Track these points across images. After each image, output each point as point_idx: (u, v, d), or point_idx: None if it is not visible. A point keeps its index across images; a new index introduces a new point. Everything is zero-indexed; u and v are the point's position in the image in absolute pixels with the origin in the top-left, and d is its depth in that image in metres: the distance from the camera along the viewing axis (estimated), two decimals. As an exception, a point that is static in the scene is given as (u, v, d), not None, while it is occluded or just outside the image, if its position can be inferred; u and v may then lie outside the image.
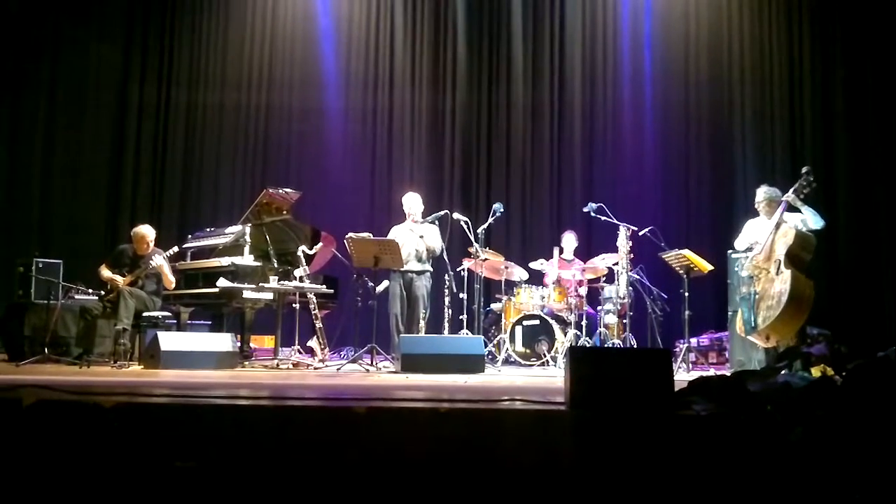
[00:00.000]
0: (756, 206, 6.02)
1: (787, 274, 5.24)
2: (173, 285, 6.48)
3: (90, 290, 6.67)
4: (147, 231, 6.63)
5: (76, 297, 6.69)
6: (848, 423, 2.37)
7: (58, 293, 6.46)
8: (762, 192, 5.99)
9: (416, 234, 6.85)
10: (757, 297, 5.44)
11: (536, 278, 7.77)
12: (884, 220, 8.34)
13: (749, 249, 5.85)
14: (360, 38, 9.59)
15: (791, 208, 5.59)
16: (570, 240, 7.91)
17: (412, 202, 7.03)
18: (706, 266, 6.61)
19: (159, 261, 6.35)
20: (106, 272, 6.50)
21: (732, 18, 9.19)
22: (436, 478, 2.45)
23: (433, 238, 6.88)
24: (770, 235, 5.49)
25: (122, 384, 3.93)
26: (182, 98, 9.43)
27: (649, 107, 9.30)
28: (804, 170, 5.60)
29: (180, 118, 9.44)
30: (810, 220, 5.63)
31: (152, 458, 2.44)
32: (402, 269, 6.73)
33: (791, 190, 5.56)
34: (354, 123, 9.52)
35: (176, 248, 6.59)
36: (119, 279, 6.38)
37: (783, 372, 2.80)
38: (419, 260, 6.86)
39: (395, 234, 6.91)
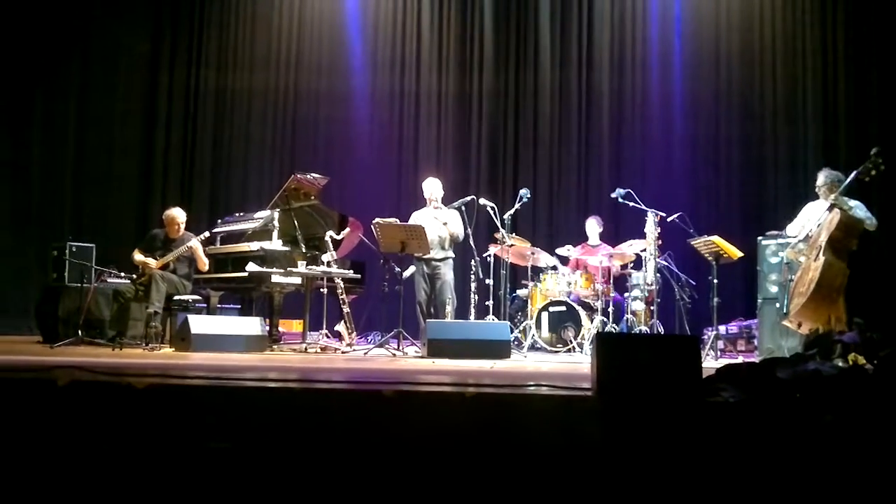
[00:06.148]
0: (816, 189, 5.72)
1: (821, 261, 5.16)
2: (207, 268, 6.57)
3: (122, 274, 6.80)
4: (177, 213, 6.71)
5: (109, 280, 6.81)
6: (878, 411, 2.35)
7: (91, 276, 6.57)
8: (823, 176, 5.65)
9: (438, 221, 6.81)
10: (793, 282, 5.37)
11: (563, 264, 7.73)
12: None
13: (807, 238, 5.52)
14: (388, 20, 9.58)
15: (847, 193, 5.30)
16: (592, 225, 7.84)
17: (432, 187, 6.98)
18: (736, 253, 6.55)
19: (195, 244, 6.43)
20: (138, 255, 6.59)
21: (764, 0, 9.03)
22: (461, 460, 2.47)
23: (455, 224, 6.83)
24: (822, 219, 5.28)
25: (154, 366, 4.03)
26: (211, 82, 9.52)
27: (678, 91, 9.17)
28: (873, 151, 5.10)
29: (209, 103, 9.53)
30: (857, 213, 5.33)
31: (185, 438, 2.50)
32: (424, 257, 6.70)
33: (854, 173, 5.17)
34: (381, 108, 9.55)
35: (207, 233, 6.67)
36: (151, 262, 6.48)
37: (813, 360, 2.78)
38: (442, 247, 6.82)
39: (417, 220, 6.85)
